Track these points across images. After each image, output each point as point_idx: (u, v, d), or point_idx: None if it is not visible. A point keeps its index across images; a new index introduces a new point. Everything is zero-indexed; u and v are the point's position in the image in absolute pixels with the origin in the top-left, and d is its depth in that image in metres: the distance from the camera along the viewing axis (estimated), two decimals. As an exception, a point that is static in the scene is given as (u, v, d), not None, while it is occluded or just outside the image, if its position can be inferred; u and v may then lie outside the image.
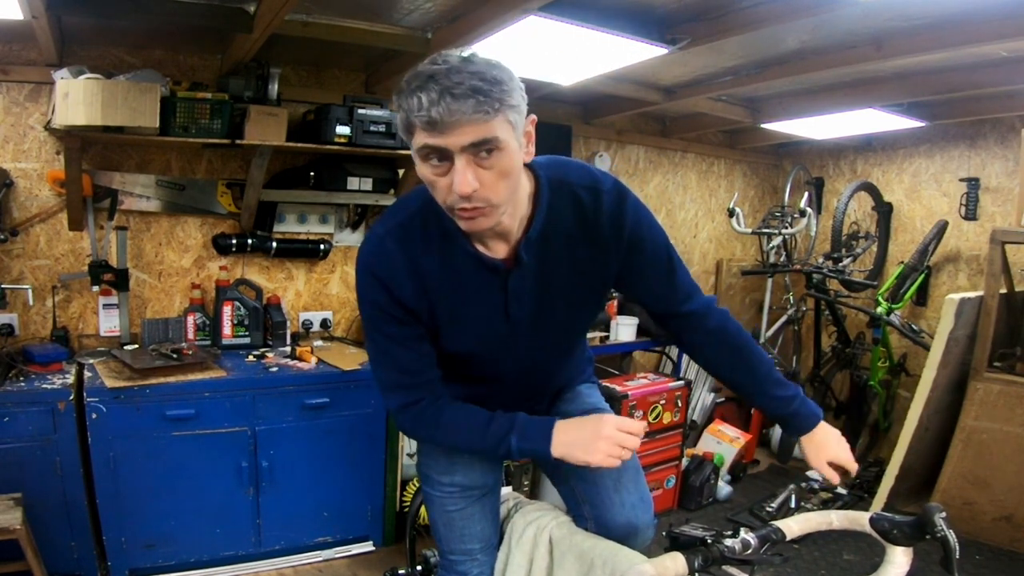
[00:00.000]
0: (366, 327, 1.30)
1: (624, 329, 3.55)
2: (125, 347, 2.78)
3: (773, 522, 1.12)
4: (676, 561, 0.99)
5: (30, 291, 2.62)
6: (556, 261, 1.24)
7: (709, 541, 1.04)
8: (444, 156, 1.02)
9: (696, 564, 1.00)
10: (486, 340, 1.30)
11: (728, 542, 1.04)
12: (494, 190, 1.05)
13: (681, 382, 3.39)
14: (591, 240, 1.24)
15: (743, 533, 1.07)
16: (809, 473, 3.83)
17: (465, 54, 1.03)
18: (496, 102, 1.00)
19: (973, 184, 3.75)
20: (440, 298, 1.23)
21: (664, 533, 1.15)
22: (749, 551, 1.04)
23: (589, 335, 3.46)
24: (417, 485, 2.80)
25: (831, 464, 1.35)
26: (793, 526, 1.12)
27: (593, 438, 1.21)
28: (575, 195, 1.22)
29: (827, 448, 1.36)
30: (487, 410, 1.30)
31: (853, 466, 1.34)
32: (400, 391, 1.30)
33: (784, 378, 1.41)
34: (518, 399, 1.48)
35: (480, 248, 1.21)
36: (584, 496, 1.46)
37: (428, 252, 1.20)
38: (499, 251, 1.22)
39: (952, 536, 1.03)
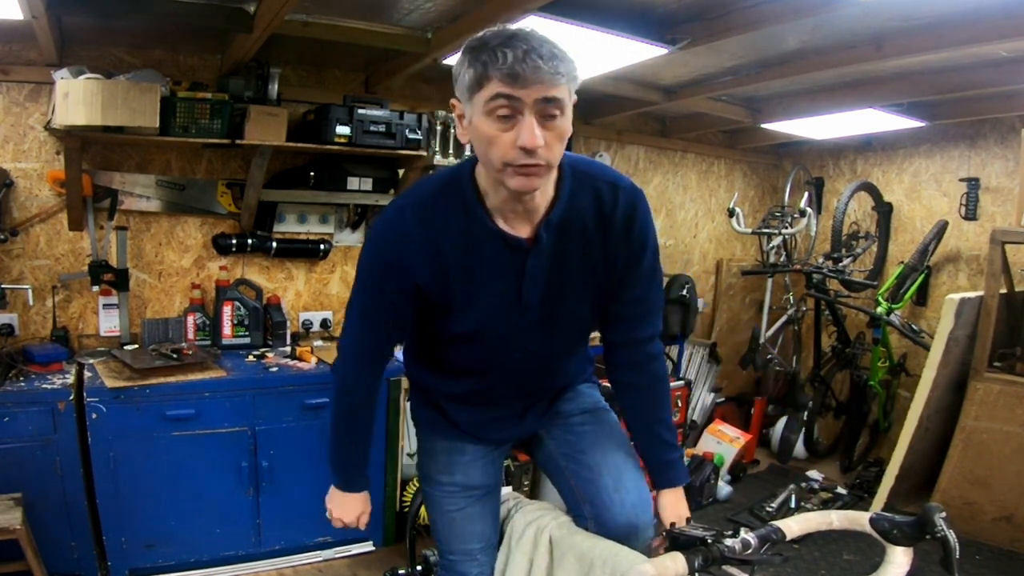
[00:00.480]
0: (355, 288, 1.35)
1: (624, 329, 3.55)
2: (125, 347, 2.78)
3: (773, 522, 1.12)
4: (676, 561, 0.99)
5: (30, 291, 2.62)
6: (571, 247, 1.28)
7: (709, 541, 1.04)
8: (514, 110, 1.07)
9: (696, 564, 1.00)
10: (495, 322, 1.31)
11: (728, 542, 1.04)
12: (552, 151, 1.11)
13: (681, 382, 3.39)
14: (604, 233, 1.29)
15: (743, 533, 1.07)
16: (809, 473, 3.84)
17: (527, 28, 1.09)
18: (568, 69, 1.08)
19: (973, 184, 3.74)
20: (456, 275, 1.26)
21: (664, 533, 1.15)
22: (749, 551, 1.04)
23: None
24: (417, 485, 2.80)
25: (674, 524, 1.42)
26: (793, 526, 1.12)
27: (332, 512, 1.51)
28: (596, 188, 1.28)
29: (680, 508, 1.46)
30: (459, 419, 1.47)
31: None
32: (352, 357, 1.39)
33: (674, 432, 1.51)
34: (519, 395, 1.48)
35: (502, 225, 1.24)
36: (584, 496, 1.46)
37: (448, 228, 1.24)
38: (521, 232, 1.26)
39: (952, 536, 1.03)
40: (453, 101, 1.17)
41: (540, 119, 1.08)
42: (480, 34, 1.09)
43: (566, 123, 1.12)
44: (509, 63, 1.03)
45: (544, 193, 1.22)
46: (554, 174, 1.21)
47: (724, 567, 1.05)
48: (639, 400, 1.47)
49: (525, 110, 1.06)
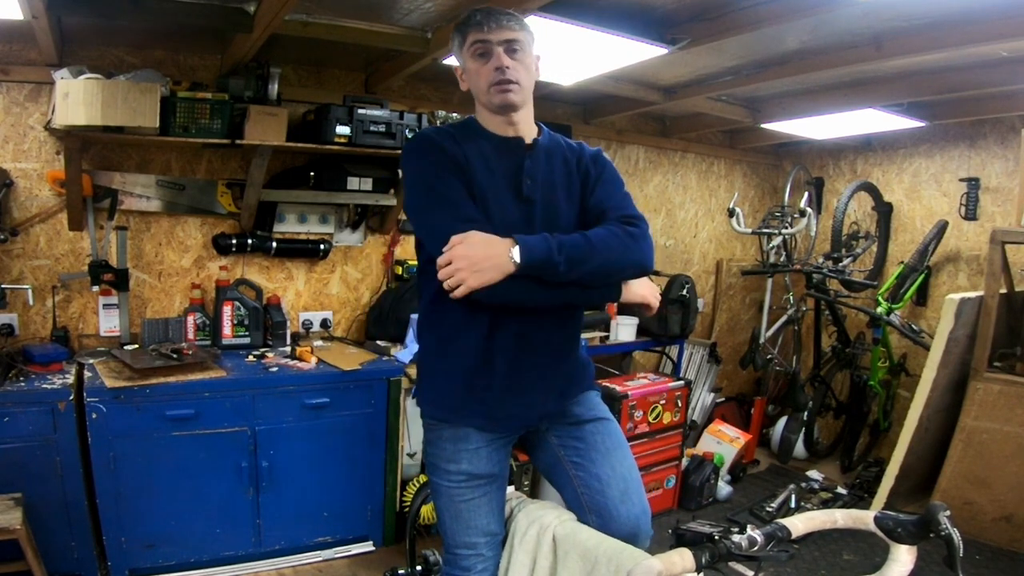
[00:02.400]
0: (420, 188, 1.49)
1: (624, 329, 3.55)
2: (125, 347, 2.78)
3: (778, 519, 1.12)
4: (683, 557, 0.99)
5: (30, 291, 2.61)
6: (557, 167, 1.57)
7: (716, 537, 1.04)
8: (487, 49, 1.47)
9: (703, 560, 0.99)
10: (502, 210, 1.47)
11: (735, 538, 1.04)
12: (519, 73, 1.49)
13: (681, 382, 3.39)
14: (579, 166, 1.60)
15: (749, 530, 1.07)
16: (809, 473, 3.84)
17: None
18: (520, 22, 1.50)
19: (973, 184, 3.75)
20: (471, 174, 1.48)
21: (670, 530, 1.15)
22: (755, 548, 1.04)
23: (588, 335, 3.46)
24: (418, 484, 2.80)
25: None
26: (799, 524, 1.12)
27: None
28: (568, 143, 1.65)
29: (640, 284, 1.59)
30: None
31: (655, 301, 1.60)
32: (449, 223, 1.41)
33: None
34: (525, 337, 1.50)
35: (502, 134, 1.54)
36: (591, 506, 1.51)
37: (464, 141, 1.52)
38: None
39: (956, 534, 1.03)
40: (455, 69, 1.58)
41: (507, 54, 1.47)
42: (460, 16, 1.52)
43: (527, 57, 1.51)
44: (479, 20, 1.47)
45: (528, 125, 1.56)
46: (531, 112, 1.56)
47: (730, 564, 1.05)
48: None
49: (494, 48, 1.46)
